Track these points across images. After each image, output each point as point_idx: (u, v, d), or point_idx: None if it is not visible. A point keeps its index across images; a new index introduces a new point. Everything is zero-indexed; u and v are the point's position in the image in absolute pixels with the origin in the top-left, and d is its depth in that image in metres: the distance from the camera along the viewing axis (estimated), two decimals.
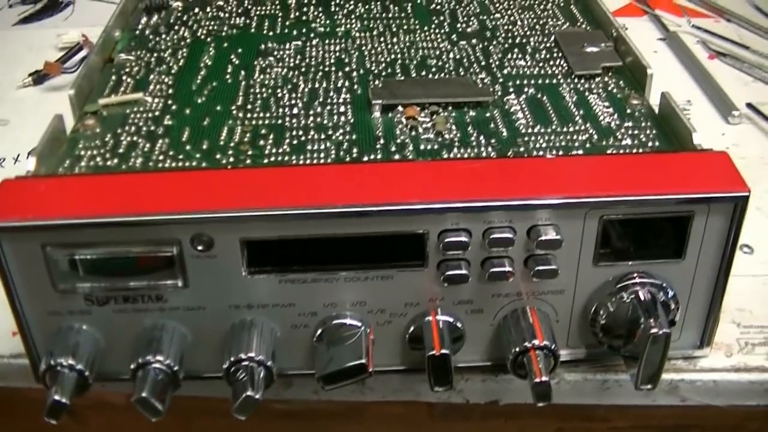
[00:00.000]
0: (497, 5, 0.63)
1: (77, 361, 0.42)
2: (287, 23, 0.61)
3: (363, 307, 0.44)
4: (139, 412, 0.41)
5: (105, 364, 0.44)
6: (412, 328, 0.44)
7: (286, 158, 0.46)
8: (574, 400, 0.47)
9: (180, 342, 0.43)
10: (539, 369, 0.42)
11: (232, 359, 0.42)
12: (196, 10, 0.63)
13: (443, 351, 0.42)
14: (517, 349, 0.43)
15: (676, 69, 0.74)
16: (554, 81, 0.53)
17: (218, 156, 0.46)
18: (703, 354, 0.47)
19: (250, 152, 0.46)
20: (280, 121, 0.49)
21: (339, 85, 0.53)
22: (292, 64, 0.55)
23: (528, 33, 0.59)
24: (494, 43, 0.57)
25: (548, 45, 0.57)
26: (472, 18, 0.61)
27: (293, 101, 0.51)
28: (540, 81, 0.53)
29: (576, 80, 0.53)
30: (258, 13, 0.62)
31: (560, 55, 0.55)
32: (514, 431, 0.52)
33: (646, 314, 0.42)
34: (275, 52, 0.57)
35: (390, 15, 0.62)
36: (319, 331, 0.44)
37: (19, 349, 0.45)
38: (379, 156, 0.46)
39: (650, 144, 0.47)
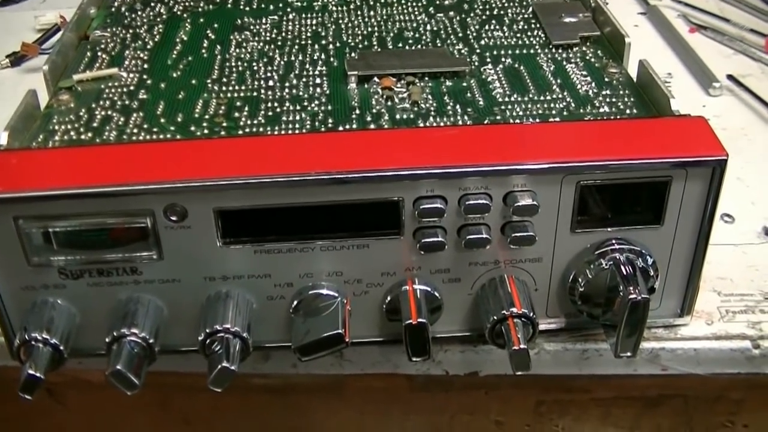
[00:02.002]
0: None
1: (52, 336, 0.42)
2: None
3: (339, 277, 0.43)
4: (118, 390, 0.41)
5: (81, 340, 0.43)
6: (389, 298, 0.44)
7: (261, 129, 0.45)
8: (554, 371, 0.47)
9: (155, 315, 0.43)
10: (517, 337, 0.42)
11: (207, 331, 0.41)
12: None
13: (420, 320, 0.42)
14: (495, 318, 0.42)
15: (657, 43, 0.74)
16: (531, 51, 0.52)
17: (192, 128, 0.46)
18: (683, 322, 0.47)
19: (224, 124, 0.46)
20: (255, 94, 0.49)
21: (315, 57, 0.52)
22: (268, 38, 0.55)
23: (506, 5, 0.58)
24: (472, 15, 0.57)
25: (526, 16, 0.57)
26: None
27: (269, 74, 0.51)
28: (517, 51, 0.52)
29: (553, 50, 0.52)
30: None
31: (538, 25, 0.55)
32: (495, 403, 0.51)
33: (625, 281, 0.42)
34: (251, 27, 0.56)
35: None
36: (295, 302, 0.43)
37: None
38: (354, 126, 0.45)
39: (628, 111, 0.46)
